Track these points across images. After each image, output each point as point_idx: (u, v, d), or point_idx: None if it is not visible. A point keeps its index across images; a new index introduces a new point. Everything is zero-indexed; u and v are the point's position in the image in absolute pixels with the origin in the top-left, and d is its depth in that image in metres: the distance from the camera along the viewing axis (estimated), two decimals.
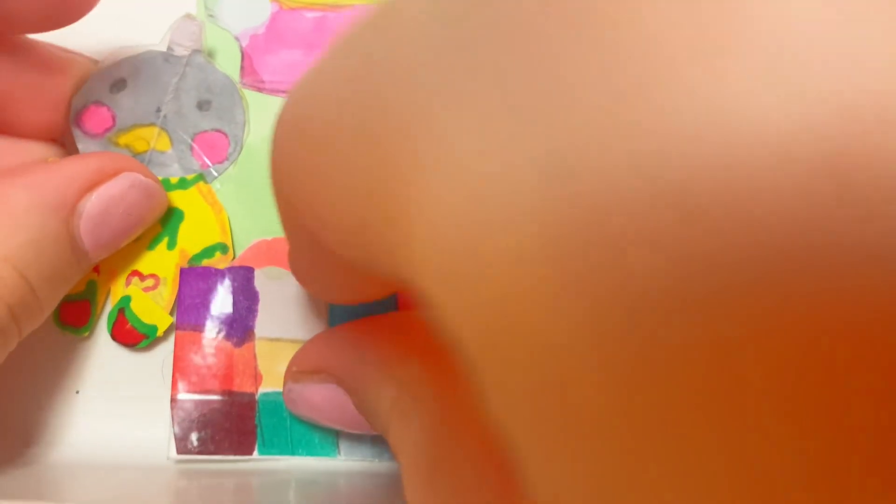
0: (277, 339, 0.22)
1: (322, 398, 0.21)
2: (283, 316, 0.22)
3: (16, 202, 0.20)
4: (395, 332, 0.20)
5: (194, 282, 0.22)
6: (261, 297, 0.22)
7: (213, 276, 0.22)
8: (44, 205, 0.20)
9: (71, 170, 0.21)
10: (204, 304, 0.22)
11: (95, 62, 0.24)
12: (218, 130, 0.24)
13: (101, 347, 0.23)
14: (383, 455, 0.22)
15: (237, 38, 0.25)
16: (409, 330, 0.20)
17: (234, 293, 0.22)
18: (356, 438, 0.22)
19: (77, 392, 0.23)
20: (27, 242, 0.19)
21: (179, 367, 0.22)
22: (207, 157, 0.24)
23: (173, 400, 0.21)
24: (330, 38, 0.25)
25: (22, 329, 0.20)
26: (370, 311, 0.22)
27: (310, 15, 0.25)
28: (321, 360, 0.21)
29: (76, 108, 0.24)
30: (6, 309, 0.19)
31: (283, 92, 0.25)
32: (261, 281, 0.22)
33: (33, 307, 0.20)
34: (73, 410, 0.23)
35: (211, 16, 0.25)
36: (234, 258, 0.24)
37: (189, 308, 0.22)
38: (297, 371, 0.22)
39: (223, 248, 0.24)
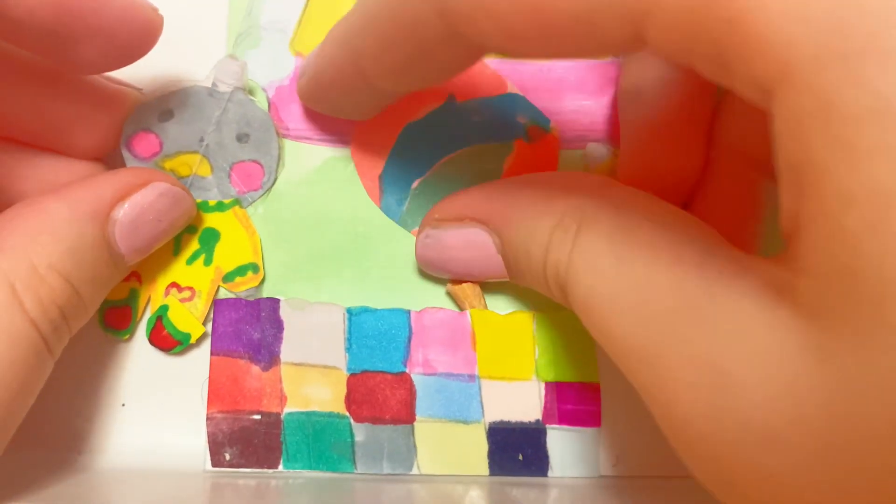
0: (301, 364, 0.25)
1: (460, 241, 0.24)
2: (306, 343, 0.25)
3: (57, 214, 0.22)
4: (547, 180, 0.23)
5: (228, 312, 0.25)
6: (285, 325, 0.25)
7: (244, 306, 0.25)
8: (81, 215, 0.22)
9: (104, 182, 0.24)
10: (236, 333, 0.25)
11: (139, 90, 0.26)
12: (254, 161, 0.26)
13: (143, 358, 0.26)
14: (397, 470, 0.24)
15: (264, 90, 0.27)
16: (566, 178, 0.23)
17: (262, 322, 0.25)
18: (372, 455, 0.24)
19: (123, 405, 0.25)
20: (68, 250, 0.22)
21: (214, 389, 0.24)
22: (244, 184, 0.27)
23: (208, 418, 0.24)
24: None
25: (71, 327, 0.23)
26: (388, 334, 0.25)
27: None
28: (467, 207, 0.24)
29: (127, 134, 0.26)
30: (57, 310, 0.22)
31: (307, 139, 0.27)
32: (285, 311, 0.25)
33: (79, 307, 0.23)
34: (120, 421, 0.25)
35: None
36: (263, 278, 0.26)
37: (223, 335, 0.25)
38: (440, 218, 0.24)
39: (255, 267, 0.26)
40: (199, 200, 0.26)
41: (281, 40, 0.27)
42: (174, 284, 0.26)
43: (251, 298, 0.26)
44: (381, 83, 0.22)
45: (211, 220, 0.27)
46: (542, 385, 0.24)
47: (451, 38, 0.19)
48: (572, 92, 0.27)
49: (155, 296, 0.26)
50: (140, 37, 0.23)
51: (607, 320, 0.19)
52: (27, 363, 0.21)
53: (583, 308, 0.19)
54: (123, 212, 0.23)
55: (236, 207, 0.27)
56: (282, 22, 0.27)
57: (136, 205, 0.24)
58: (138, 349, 0.26)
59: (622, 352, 0.18)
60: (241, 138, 0.26)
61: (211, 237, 0.27)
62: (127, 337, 0.26)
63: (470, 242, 0.23)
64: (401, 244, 0.26)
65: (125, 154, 0.26)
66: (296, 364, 0.24)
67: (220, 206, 0.27)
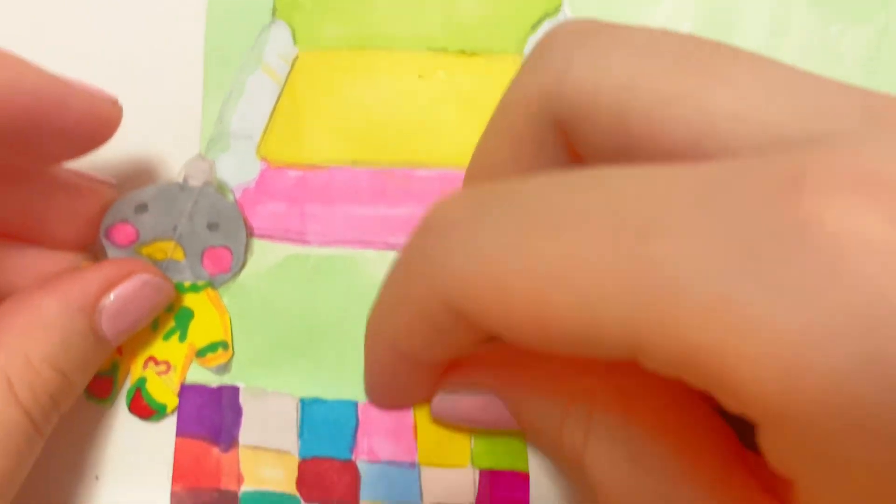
0: (257, 447, 0.27)
1: (474, 407, 0.23)
2: (262, 428, 0.27)
3: (49, 310, 0.24)
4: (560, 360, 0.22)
5: (193, 397, 0.27)
6: (244, 411, 0.27)
7: (207, 393, 0.28)
8: (71, 309, 0.25)
9: (91, 276, 0.26)
10: (199, 417, 0.27)
11: (113, 185, 0.29)
12: (224, 246, 0.29)
13: (118, 430, 0.28)
14: None
15: (232, 191, 0.29)
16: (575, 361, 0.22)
17: (224, 408, 0.27)
18: None
19: (97, 478, 0.28)
20: (60, 342, 0.24)
21: (178, 467, 0.27)
22: (214, 267, 0.29)
23: (172, 494, 0.27)
24: (309, 194, 0.29)
25: (61, 410, 0.25)
26: (337, 423, 0.27)
27: (292, 173, 0.29)
28: (478, 374, 0.23)
29: (105, 225, 0.28)
30: (49, 399, 0.24)
31: (269, 237, 0.29)
32: (245, 398, 0.27)
33: (69, 391, 0.25)
34: (92, 494, 0.28)
35: None
36: (232, 354, 0.29)
37: (188, 419, 0.27)
38: (454, 382, 0.23)
39: (224, 345, 0.29)
40: (174, 282, 0.28)
41: (248, 146, 0.29)
42: (152, 358, 0.29)
43: (221, 374, 0.28)
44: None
45: (185, 300, 0.29)
46: (477, 472, 0.26)
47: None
48: None
49: (134, 368, 0.29)
50: (100, 130, 0.25)
51: None
52: (20, 449, 0.23)
53: (600, 492, 0.19)
54: (109, 302, 0.26)
55: (209, 289, 0.29)
56: (249, 129, 0.29)
57: (121, 296, 0.26)
58: (115, 421, 0.29)
59: None
60: (212, 227, 0.29)
61: (185, 316, 0.29)
62: (109, 405, 0.29)
63: (482, 409, 0.23)
64: (350, 339, 0.28)
65: (105, 243, 0.28)
66: (252, 447, 0.27)
67: (195, 288, 0.29)
